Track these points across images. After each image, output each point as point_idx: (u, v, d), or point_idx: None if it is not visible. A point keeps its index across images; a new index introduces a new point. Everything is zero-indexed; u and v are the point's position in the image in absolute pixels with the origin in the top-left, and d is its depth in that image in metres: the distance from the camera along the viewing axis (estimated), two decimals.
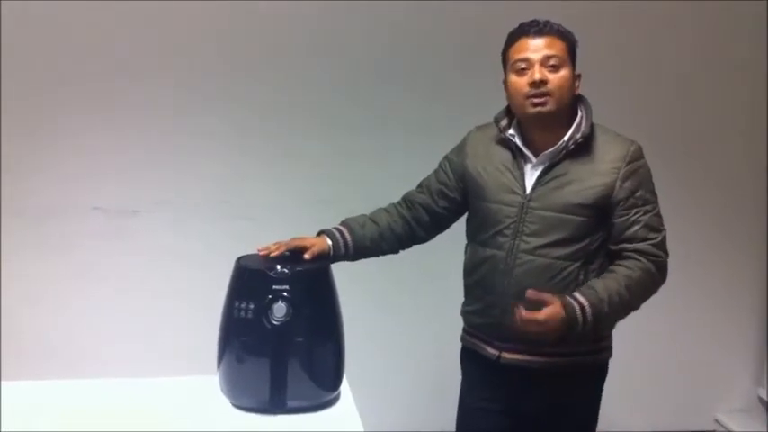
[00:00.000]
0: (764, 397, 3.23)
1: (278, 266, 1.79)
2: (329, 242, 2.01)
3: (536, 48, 1.89)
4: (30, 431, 1.68)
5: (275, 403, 1.76)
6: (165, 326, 2.78)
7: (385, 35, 2.87)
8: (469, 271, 2.05)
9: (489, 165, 2.00)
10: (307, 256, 1.90)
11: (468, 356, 2.12)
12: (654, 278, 1.92)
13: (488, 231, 1.98)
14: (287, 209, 2.87)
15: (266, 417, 1.76)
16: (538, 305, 1.79)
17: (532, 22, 1.93)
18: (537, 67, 1.88)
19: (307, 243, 1.95)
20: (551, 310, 1.78)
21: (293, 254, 1.91)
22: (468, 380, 2.14)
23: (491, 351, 2.01)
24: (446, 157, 2.13)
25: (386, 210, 2.15)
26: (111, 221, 2.76)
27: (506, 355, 1.98)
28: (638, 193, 1.91)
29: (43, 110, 2.72)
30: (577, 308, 1.81)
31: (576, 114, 1.95)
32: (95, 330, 2.78)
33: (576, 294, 1.84)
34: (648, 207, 1.92)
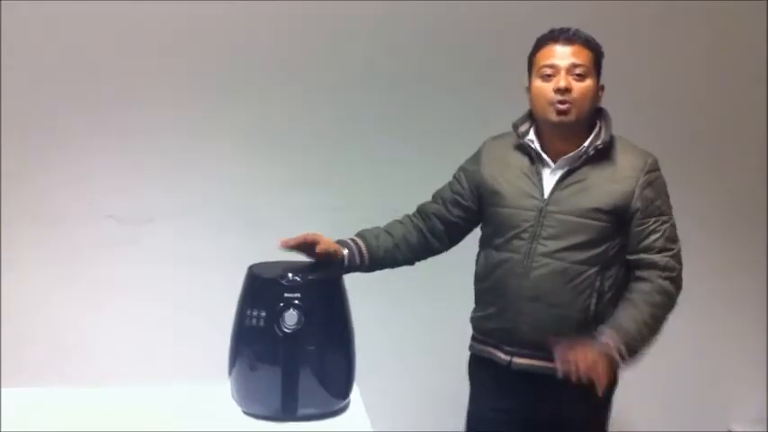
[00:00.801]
0: None
1: (290, 275, 1.79)
2: (345, 251, 2.01)
3: (563, 55, 1.91)
4: None
5: (286, 411, 1.77)
6: (177, 333, 2.79)
7: (397, 38, 2.87)
8: (482, 277, 2.06)
9: (507, 171, 2.01)
10: (317, 249, 1.92)
11: (478, 364, 2.12)
12: (672, 296, 1.95)
13: (505, 235, 1.99)
14: (300, 217, 2.86)
15: (277, 424, 1.77)
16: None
17: (562, 29, 1.95)
18: (563, 74, 1.89)
19: (322, 239, 1.96)
20: (596, 369, 1.80)
21: (308, 262, 1.92)
22: (478, 388, 2.14)
23: (502, 357, 2.01)
24: (461, 168, 2.14)
25: (400, 221, 2.15)
26: (125, 229, 2.77)
27: (517, 360, 1.99)
28: (657, 203, 1.94)
29: (57, 115, 2.72)
30: (616, 355, 1.84)
31: (595, 125, 1.97)
32: (109, 337, 2.78)
33: (608, 339, 1.84)
34: (665, 218, 1.95)
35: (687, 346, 3.15)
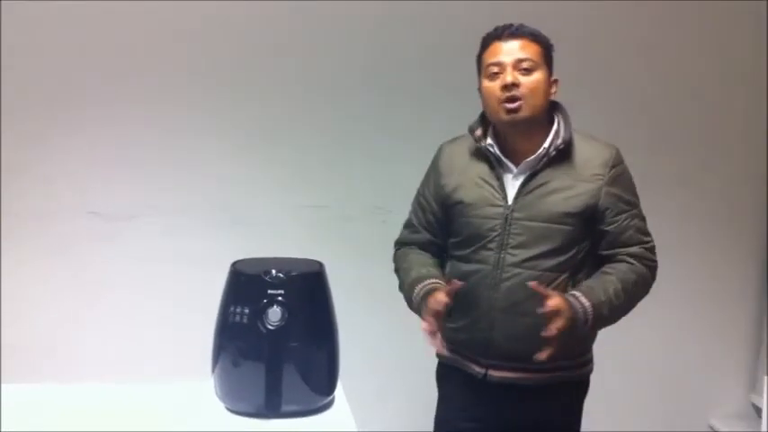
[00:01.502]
0: (757, 403, 3.24)
1: (273, 271, 1.79)
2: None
3: (508, 51, 1.85)
4: None
5: (270, 408, 1.76)
6: (161, 330, 2.78)
7: (393, 37, 2.87)
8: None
9: (466, 179, 1.94)
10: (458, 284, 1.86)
11: (449, 374, 2.06)
12: (647, 281, 1.92)
13: (472, 246, 1.93)
14: (283, 214, 2.87)
15: (261, 421, 1.76)
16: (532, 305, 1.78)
17: (506, 25, 1.89)
18: (509, 69, 1.84)
19: (445, 300, 1.85)
20: (564, 313, 1.75)
21: (291, 259, 1.91)
22: (448, 398, 2.08)
23: (477, 369, 1.97)
24: (420, 193, 2.06)
25: (415, 253, 2.05)
26: (107, 226, 2.76)
27: (493, 372, 1.94)
28: (626, 197, 1.90)
29: (39, 112, 2.71)
30: (580, 309, 1.79)
31: (554, 121, 1.91)
32: (90, 335, 2.77)
33: (578, 295, 1.82)
34: (635, 211, 1.92)
35: (667, 342, 3.18)
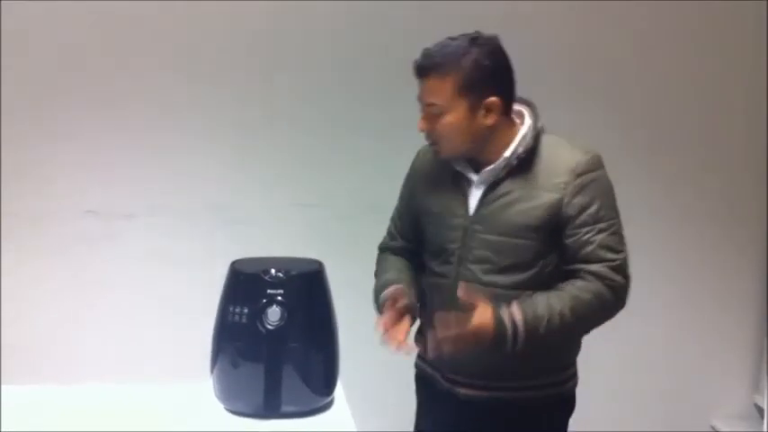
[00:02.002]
0: (760, 404, 3.23)
1: (273, 270, 1.78)
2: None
3: (421, 90, 1.74)
4: None
5: (269, 408, 1.76)
6: (160, 330, 2.77)
7: (375, 36, 2.86)
8: (420, 299, 1.88)
9: (432, 186, 1.85)
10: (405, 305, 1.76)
11: (425, 382, 1.97)
12: (606, 304, 1.72)
13: (437, 258, 1.83)
14: (282, 213, 2.86)
15: (260, 421, 1.75)
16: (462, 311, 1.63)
17: (419, 58, 1.73)
18: (422, 114, 1.75)
19: (408, 303, 1.77)
20: (479, 320, 1.61)
21: (291, 258, 1.90)
22: (424, 408, 2.00)
23: (445, 384, 1.86)
24: (399, 198, 1.99)
25: (390, 260, 1.97)
26: (106, 225, 2.76)
27: (462, 390, 1.82)
28: (591, 210, 1.71)
29: (38, 111, 2.70)
30: (509, 325, 1.64)
31: (522, 124, 1.77)
32: (89, 335, 2.77)
33: (513, 308, 1.66)
34: (603, 225, 1.71)
35: (669, 342, 3.17)
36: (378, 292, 1.90)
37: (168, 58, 2.76)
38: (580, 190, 1.71)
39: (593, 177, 1.72)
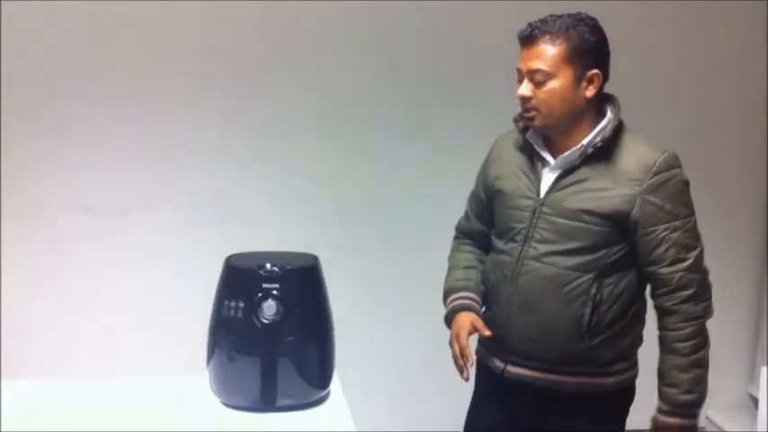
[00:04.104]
0: (755, 395, 3.24)
1: (268, 265, 1.79)
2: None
3: (525, 58, 1.77)
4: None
5: (265, 402, 1.77)
6: (156, 326, 2.78)
7: (384, 34, 2.86)
8: (485, 278, 1.96)
9: (507, 169, 1.90)
10: (487, 333, 1.85)
11: (480, 369, 1.99)
12: (698, 318, 1.84)
13: (503, 237, 1.89)
14: (278, 209, 2.87)
15: (256, 415, 1.76)
16: None
17: (527, 27, 1.78)
18: (525, 80, 1.77)
19: (477, 326, 1.86)
20: None
21: (287, 252, 1.91)
22: (477, 394, 2.03)
23: (497, 364, 1.91)
24: (476, 182, 2.04)
25: (465, 253, 2.04)
26: (102, 221, 2.76)
27: (511, 368, 1.88)
28: (667, 208, 1.77)
29: (34, 109, 2.70)
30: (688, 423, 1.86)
31: (605, 115, 1.82)
32: (85, 331, 2.77)
33: (668, 417, 1.86)
34: (678, 223, 1.78)
35: None
36: (446, 294, 2.00)
37: (164, 55, 2.76)
38: (655, 189, 1.76)
39: (669, 176, 1.78)
